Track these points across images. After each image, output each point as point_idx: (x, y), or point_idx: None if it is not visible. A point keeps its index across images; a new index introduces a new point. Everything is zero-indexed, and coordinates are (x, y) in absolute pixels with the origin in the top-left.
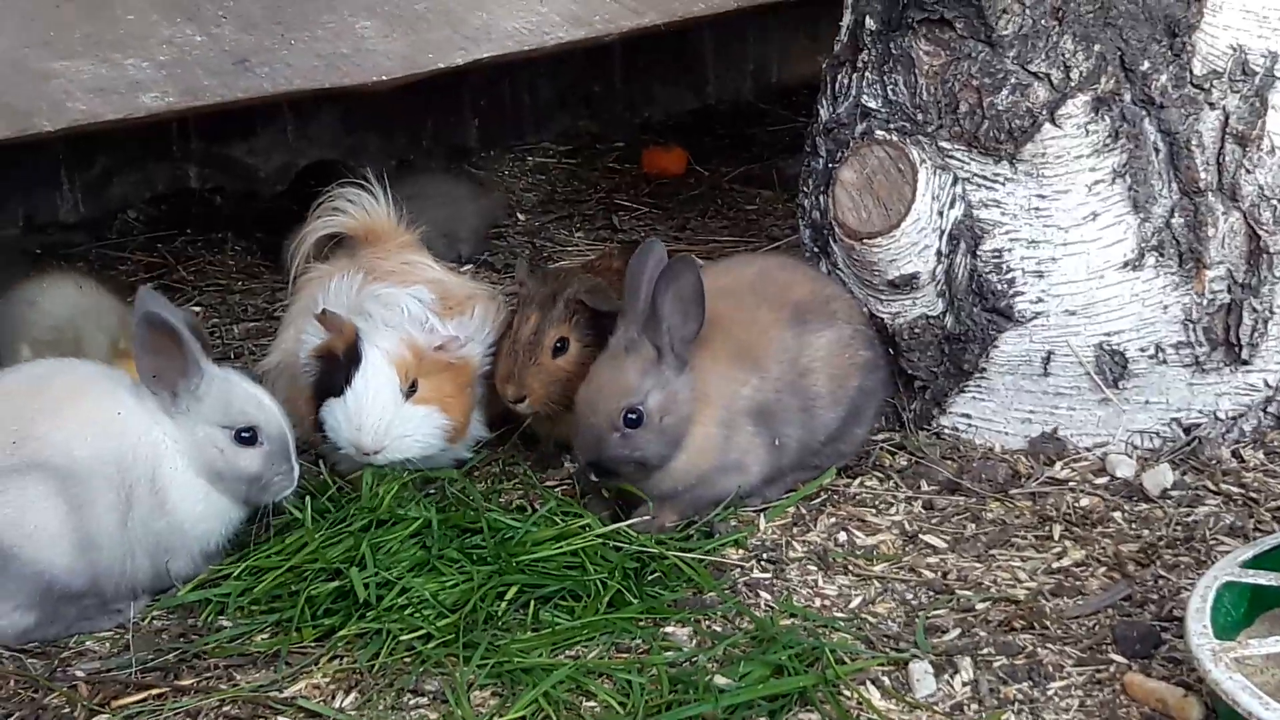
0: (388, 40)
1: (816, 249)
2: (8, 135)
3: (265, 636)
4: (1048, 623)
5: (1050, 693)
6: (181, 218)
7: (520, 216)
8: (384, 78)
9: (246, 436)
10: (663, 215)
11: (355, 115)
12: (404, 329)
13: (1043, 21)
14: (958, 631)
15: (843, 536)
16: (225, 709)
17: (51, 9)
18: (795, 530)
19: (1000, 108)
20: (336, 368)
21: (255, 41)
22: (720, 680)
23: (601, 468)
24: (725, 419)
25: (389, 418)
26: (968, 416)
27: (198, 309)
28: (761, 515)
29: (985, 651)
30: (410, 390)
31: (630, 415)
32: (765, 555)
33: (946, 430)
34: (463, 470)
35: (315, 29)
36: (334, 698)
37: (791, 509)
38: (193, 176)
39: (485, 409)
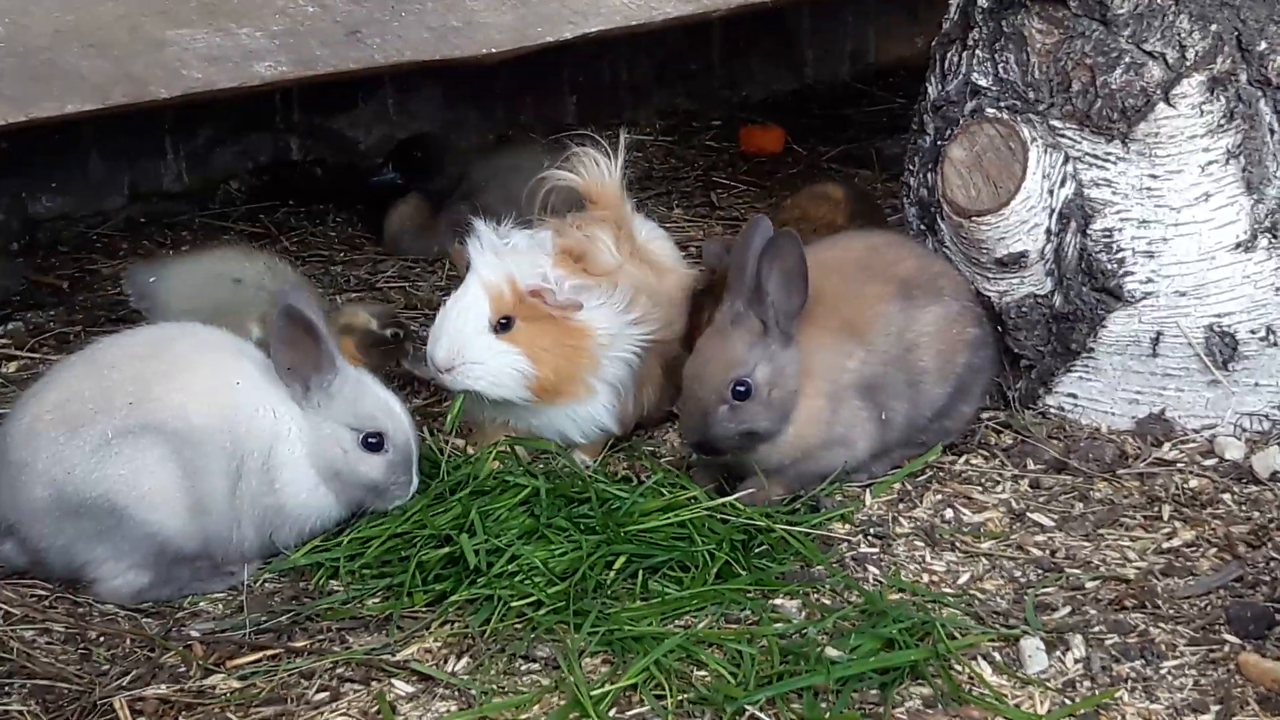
0: (497, 13)
1: (923, 227)
2: (125, 102)
3: (376, 601)
4: (1159, 602)
5: (1163, 671)
6: (283, 189)
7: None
8: (493, 50)
9: (373, 442)
10: (761, 193)
11: (456, 90)
12: (509, 263)
13: (1159, 0)
14: (1068, 609)
15: (949, 513)
16: (339, 670)
17: None
18: (901, 506)
19: (1114, 87)
20: None
21: (366, 13)
22: (831, 652)
23: (707, 446)
24: (831, 392)
25: (465, 342)
26: (1074, 396)
27: None
28: (868, 491)
29: (1096, 629)
30: (502, 326)
31: (739, 387)
32: (872, 530)
33: (1052, 410)
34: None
35: (425, 1)
36: (446, 662)
37: (897, 485)
38: (294, 148)
39: (626, 401)
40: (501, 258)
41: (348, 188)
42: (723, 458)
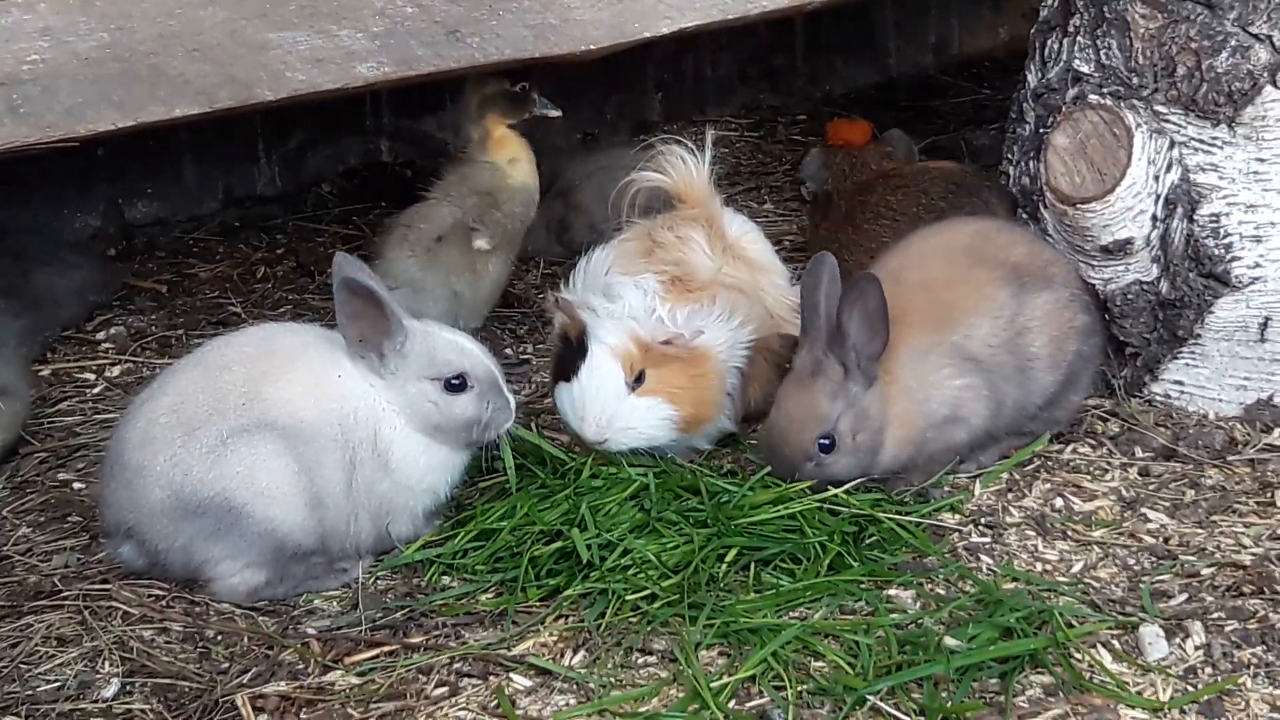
0: (594, 9)
1: (1024, 215)
2: (231, 105)
3: (490, 596)
4: (1277, 587)
5: None
6: (374, 191)
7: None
8: (591, 47)
9: (456, 383)
10: None
11: (541, 89)
12: (628, 321)
13: None
14: (1184, 596)
15: (1059, 502)
16: (457, 666)
17: None
18: (1010, 496)
19: (1219, 70)
20: (571, 352)
21: (464, 12)
22: (949, 642)
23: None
24: (918, 385)
25: (611, 410)
26: (1180, 383)
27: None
28: (976, 481)
29: (1215, 616)
30: (636, 381)
31: (823, 441)
32: (982, 520)
33: (1159, 397)
34: None
35: None
36: (563, 656)
37: (1006, 475)
38: (384, 150)
39: (738, 402)
40: (619, 318)
41: None
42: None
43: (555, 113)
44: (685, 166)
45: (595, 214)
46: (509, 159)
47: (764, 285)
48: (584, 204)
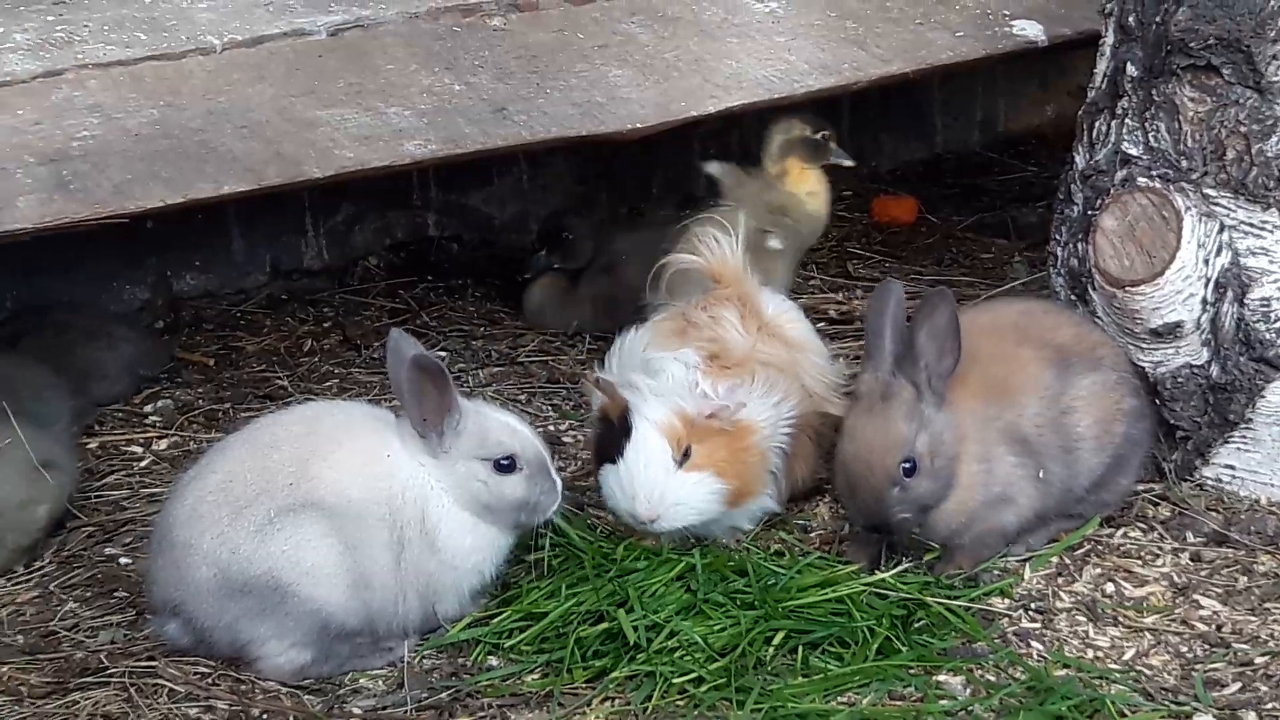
0: (640, 89)
1: (1073, 297)
2: (279, 182)
3: (536, 677)
4: None
5: None
6: (420, 265)
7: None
8: (638, 125)
9: (505, 464)
10: (897, 263)
11: (587, 164)
12: (672, 398)
13: None
14: (1238, 685)
15: (1110, 587)
16: None
17: (314, 59)
18: (1060, 580)
19: (1269, 154)
20: (613, 433)
21: (511, 90)
22: None
23: (884, 528)
24: (982, 453)
25: (661, 488)
26: (1232, 468)
27: (444, 354)
28: (1026, 564)
29: (1270, 706)
30: (683, 457)
31: (905, 464)
32: (1032, 605)
33: (1209, 481)
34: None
35: (569, 77)
36: None
37: (1055, 559)
38: (431, 225)
39: (783, 482)
40: (663, 395)
41: (485, 264)
42: (896, 536)
43: (850, 163)
44: (719, 246)
45: (641, 289)
46: (807, 192)
47: (802, 363)
48: (629, 280)
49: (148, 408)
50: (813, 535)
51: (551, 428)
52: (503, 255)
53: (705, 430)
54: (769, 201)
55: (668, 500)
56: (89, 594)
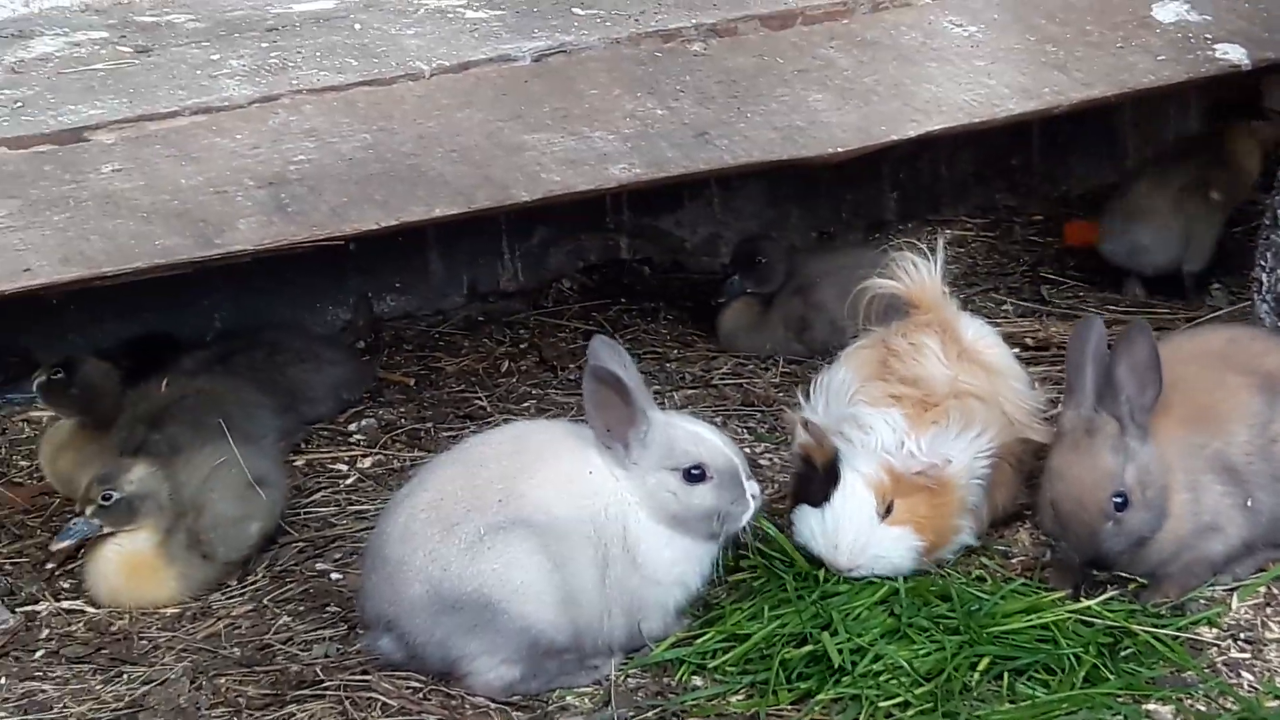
0: (840, 113)
1: (1278, 323)
2: (488, 205)
3: (740, 698)
4: None
5: None
6: (612, 287)
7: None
8: (839, 149)
9: (695, 474)
10: (1091, 288)
11: (779, 188)
12: (881, 452)
13: None
14: None
15: None
16: None
17: (520, 85)
18: (1269, 610)
19: None
20: (815, 475)
21: (713, 115)
22: None
23: (1102, 563)
24: (1189, 482)
25: (864, 540)
26: None
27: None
28: (1234, 594)
29: None
30: (886, 511)
31: (1117, 499)
32: (1241, 635)
33: None
34: None
35: (770, 102)
36: None
37: (1263, 589)
38: (623, 247)
39: (983, 512)
40: (872, 449)
41: (677, 286)
42: (1112, 569)
43: None
44: (918, 272)
45: (834, 312)
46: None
47: (1002, 390)
48: (823, 302)
49: (352, 426)
50: (1014, 561)
51: (748, 450)
52: (694, 278)
53: (910, 486)
54: (1225, 159)
55: (869, 552)
56: (302, 608)
